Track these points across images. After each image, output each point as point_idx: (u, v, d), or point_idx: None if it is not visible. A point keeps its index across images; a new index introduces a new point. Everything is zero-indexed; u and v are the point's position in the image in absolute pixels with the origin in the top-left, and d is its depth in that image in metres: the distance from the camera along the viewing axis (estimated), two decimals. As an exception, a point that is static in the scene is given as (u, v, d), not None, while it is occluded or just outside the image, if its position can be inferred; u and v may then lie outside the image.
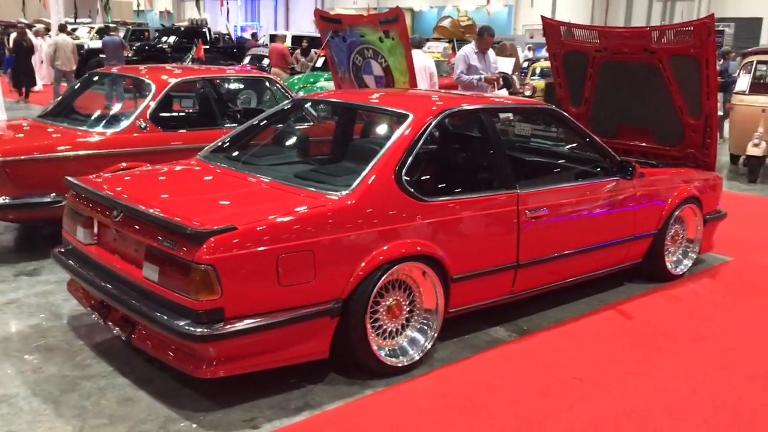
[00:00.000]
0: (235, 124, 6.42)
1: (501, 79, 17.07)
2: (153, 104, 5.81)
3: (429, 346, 3.67)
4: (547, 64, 15.72)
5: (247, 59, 20.64)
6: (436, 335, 3.71)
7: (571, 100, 6.34)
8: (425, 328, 3.68)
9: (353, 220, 3.36)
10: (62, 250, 3.95)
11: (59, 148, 5.31)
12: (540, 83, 15.21)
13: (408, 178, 3.58)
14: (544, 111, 4.47)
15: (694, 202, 5.27)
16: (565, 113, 4.53)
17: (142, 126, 5.70)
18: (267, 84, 6.89)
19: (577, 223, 4.38)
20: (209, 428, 3.06)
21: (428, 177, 3.71)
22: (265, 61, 19.63)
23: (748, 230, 6.73)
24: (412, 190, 3.58)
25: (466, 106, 4.04)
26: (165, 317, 3.04)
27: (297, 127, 4.87)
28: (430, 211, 3.63)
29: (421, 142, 3.70)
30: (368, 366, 3.47)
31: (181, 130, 5.96)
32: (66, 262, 3.82)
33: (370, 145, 3.94)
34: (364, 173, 3.49)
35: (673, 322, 4.45)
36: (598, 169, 4.67)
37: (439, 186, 3.80)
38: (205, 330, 2.95)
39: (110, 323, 3.45)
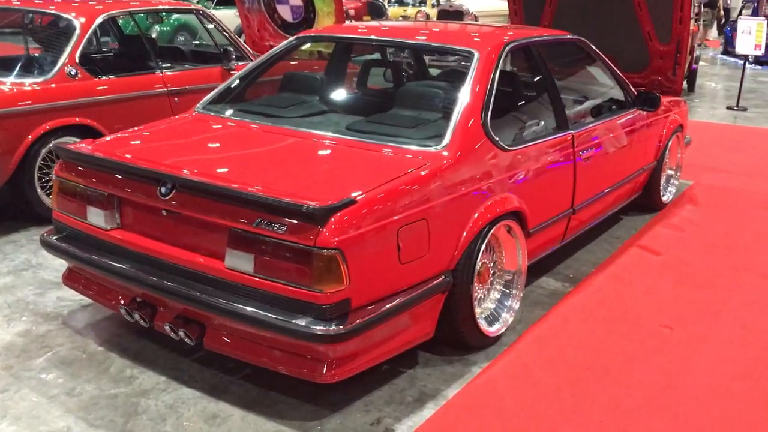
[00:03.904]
0: (183, 66, 5.59)
1: (367, 5, 16.61)
2: (81, 46, 4.82)
3: (517, 307, 3.36)
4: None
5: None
6: (521, 294, 3.40)
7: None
8: (508, 289, 3.36)
9: (455, 178, 2.92)
10: (56, 236, 3.14)
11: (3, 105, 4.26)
12: (433, 11, 14.86)
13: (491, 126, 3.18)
14: (572, 41, 4.17)
15: (680, 130, 5.30)
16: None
17: (72, 73, 4.73)
18: (197, 17, 5.97)
19: (612, 159, 4.22)
20: (334, 439, 2.59)
21: (503, 122, 3.31)
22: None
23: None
24: (497, 138, 3.19)
25: (523, 40, 3.64)
26: (275, 316, 2.47)
27: (330, 71, 4.18)
28: (513, 161, 3.26)
29: (495, 83, 3.28)
30: (468, 339, 3.11)
31: (117, 76, 5.01)
32: (69, 251, 3.05)
33: (433, 90, 3.45)
34: (453, 124, 3.03)
35: (694, 253, 4.47)
36: (614, 104, 4.49)
37: (514, 132, 3.42)
38: (340, 327, 2.43)
39: (166, 326, 2.78)
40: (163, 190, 2.70)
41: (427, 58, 5.08)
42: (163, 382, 2.89)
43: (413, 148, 2.98)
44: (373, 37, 3.94)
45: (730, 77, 12.87)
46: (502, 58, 3.38)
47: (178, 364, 3.01)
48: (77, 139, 4.67)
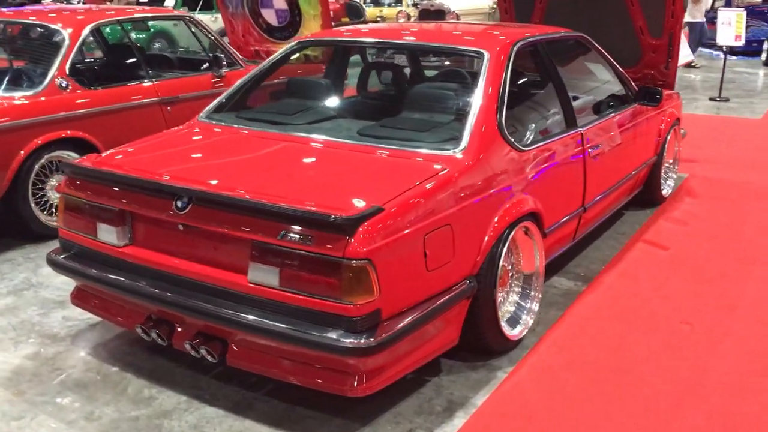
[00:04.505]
0: (173, 75, 5.49)
1: (345, 6, 16.48)
2: (71, 57, 4.70)
3: (536, 309, 3.33)
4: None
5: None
6: (540, 296, 3.36)
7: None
8: (526, 291, 3.32)
9: (476, 182, 2.87)
10: (64, 255, 3.04)
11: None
12: (412, 10, 14.81)
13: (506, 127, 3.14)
14: (574, 38, 4.15)
15: (677, 124, 5.31)
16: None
17: (63, 85, 4.61)
18: (186, 25, 5.86)
19: (618, 156, 4.20)
20: (366, 453, 2.53)
21: (515, 122, 3.27)
22: (75, -2, 17.34)
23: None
24: (513, 139, 3.15)
25: (531, 38, 3.60)
26: (304, 330, 2.40)
27: (332, 76, 4.10)
28: (528, 161, 3.22)
29: (508, 83, 3.23)
30: (491, 344, 3.07)
31: (108, 87, 4.90)
32: (79, 270, 2.95)
33: (444, 92, 3.40)
34: (470, 126, 2.98)
35: (700, 246, 4.47)
36: (616, 100, 4.48)
37: (527, 131, 3.38)
38: (371, 340, 2.36)
39: (186, 344, 2.70)
40: (179, 204, 2.62)
41: (421, 59, 5.01)
42: (184, 401, 2.80)
43: (431, 152, 2.92)
44: (378, 39, 3.88)
45: (707, 68, 12.99)
46: (512, 58, 3.34)
47: (196, 382, 2.93)
48: (71, 153, 4.57)
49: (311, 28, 7.81)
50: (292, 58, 4.04)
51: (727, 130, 8.16)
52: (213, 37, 5.90)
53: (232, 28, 8.16)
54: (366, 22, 15.82)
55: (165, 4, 13.59)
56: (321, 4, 7.50)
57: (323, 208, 2.39)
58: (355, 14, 16.80)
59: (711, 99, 10.01)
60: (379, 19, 17.11)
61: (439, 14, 12.14)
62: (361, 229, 2.35)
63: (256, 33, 8.15)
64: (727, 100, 9.94)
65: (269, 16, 8.07)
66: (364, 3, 18.71)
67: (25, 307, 3.61)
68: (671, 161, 5.44)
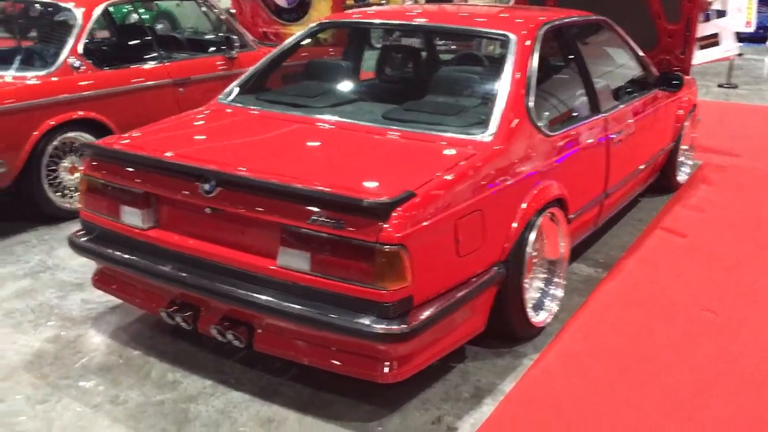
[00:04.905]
0: (185, 56, 5.42)
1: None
2: (84, 36, 4.64)
3: (561, 295, 3.30)
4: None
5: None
6: (564, 282, 3.34)
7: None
8: (551, 277, 3.30)
9: (505, 167, 2.83)
10: (86, 237, 3.01)
11: (1, 101, 4.07)
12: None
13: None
14: (596, 22, 4.10)
15: (694, 110, 5.27)
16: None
17: (76, 65, 4.55)
18: (198, 5, 5.79)
19: (638, 141, 4.16)
20: (397, 439, 2.51)
21: (541, 107, 3.23)
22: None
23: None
24: (540, 124, 3.11)
25: (556, 21, 3.55)
26: (335, 315, 2.37)
27: (352, 58, 4.04)
28: (555, 146, 3.19)
29: (535, 67, 3.19)
30: (517, 331, 3.04)
31: (120, 67, 4.84)
32: (102, 253, 2.91)
33: (470, 75, 3.35)
34: (498, 110, 2.94)
35: (718, 233, 4.45)
36: (637, 85, 4.43)
37: (553, 116, 3.34)
38: (403, 326, 2.34)
39: (213, 329, 2.67)
40: (207, 187, 2.58)
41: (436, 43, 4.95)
42: (210, 386, 2.78)
43: (459, 136, 2.88)
44: (402, 22, 3.82)
45: (715, 55, 12.88)
46: (539, 41, 3.29)
47: (220, 366, 2.91)
48: (84, 134, 4.52)
49: (320, 9, 7.73)
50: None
51: (738, 117, 8.11)
52: (225, 19, 5.83)
53: (241, 10, 8.08)
54: (371, 5, 15.67)
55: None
56: (332, -14, 7.42)
57: (355, 193, 2.36)
58: (361, -3, 16.60)
59: (720, 86, 9.95)
60: (383, 2, 16.93)
61: (447, -3, 12.02)
62: (394, 214, 2.32)
63: (264, 14, 8.07)
64: (735, 86, 9.88)
65: (279, -2, 7.98)
66: (368, -15, 18.53)
67: (42, 290, 3.58)
68: (687, 148, 5.40)
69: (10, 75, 4.40)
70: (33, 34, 5.19)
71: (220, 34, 5.75)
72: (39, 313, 3.34)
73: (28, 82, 4.35)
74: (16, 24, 5.30)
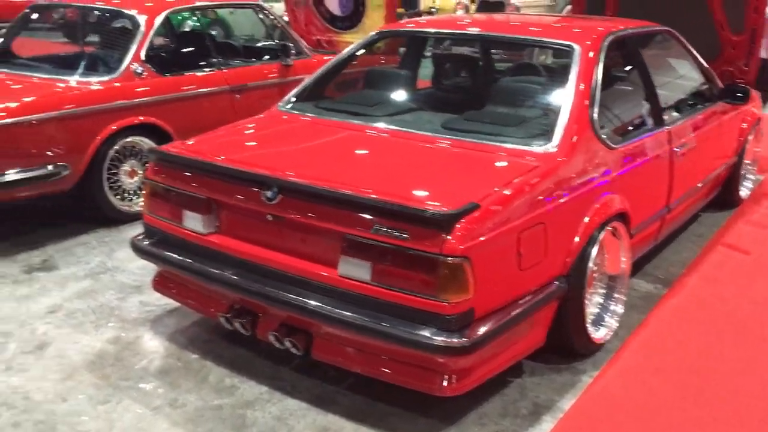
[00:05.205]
0: (242, 63, 5.49)
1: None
2: (146, 43, 4.74)
3: (621, 311, 3.23)
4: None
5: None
6: (625, 298, 3.26)
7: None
8: (611, 292, 3.23)
9: (569, 180, 2.78)
10: (148, 241, 3.05)
11: (64, 106, 4.18)
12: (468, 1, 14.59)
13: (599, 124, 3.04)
14: (661, 32, 4.02)
15: (758, 123, 5.11)
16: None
17: (138, 71, 4.65)
18: (256, 13, 5.86)
19: (702, 155, 4.05)
20: (454, 454, 2.48)
21: (605, 119, 3.17)
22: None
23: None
24: (603, 136, 3.05)
25: (621, 32, 3.48)
26: (396, 326, 2.35)
27: (409, 67, 4.05)
28: (619, 159, 3.12)
29: (600, 78, 3.13)
30: (577, 346, 2.98)
31: (180, 74, 4.92)
32: (164, 257, 2.95)
33: (531, 86, 3.32)
34: (562, 122, 2.89)
35: (785, 253, 4.30)
36: (700, 97, 4.32)
37: (616, 128, 3.28)
38: (464, 339, 2.31)
39: (271, 335, 2.68)
40: (269, 194, 2.59)
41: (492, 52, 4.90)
42: (266, 392, 2.79)
43: (521, 147, 2.84)
44: (462, 31, 3.80)
45: None
46: (604, 52, 3.23)
47: (277, 373, 2.91)
48: (144, 139, 4.61)
49: (374, 18, 7.75)
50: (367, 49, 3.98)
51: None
52: (282, 26, 5.89)
53: (295, 18, 8.15)
54: (421, 14, 15.69)
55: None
56: (386, -6, 7.43)
57: (419, 203, 2.34)
58: (411, 4, 16.66)
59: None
60: (433, 10, 16.92)
61: (499, 6, 11.96)
62: (458, 225, 2.29)
63: (318, 22, 8.13)
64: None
65: (332, 5, 8.04)
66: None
67: (102, 291, 3.65)
68: (750, 162, 5.24)
69: (74, 80, 4.51)
70: (96, 39, 5.31)
71: (276, 42, 5.81)
72: (100, 314, 3.41)
73: (92, 88, 4.45)
74: (80, 30, 5.44)
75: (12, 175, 4.04)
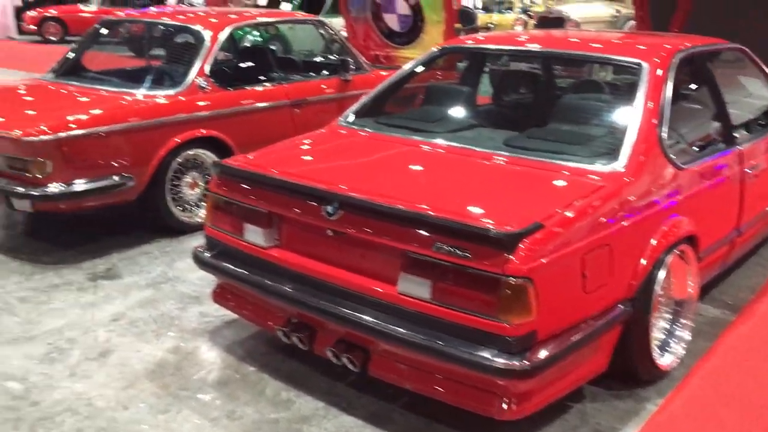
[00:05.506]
0: (302, 77, 5.56)
1: (459, 11, 16.30)
2: (211, 58, 4.83)
3: (688, 338, 3.12)
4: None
5: (173, -1, 18.89)
6: (692, 324, 3.15)
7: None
8: (677, 318, 3.12)
9: (636, 200, 2.71)
10: (209, 253, 3.09)
11: (130, 119, 4.30)
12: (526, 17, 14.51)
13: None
14: (732, 50, 3.90)
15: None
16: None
17: (202, 85, 4.74)
18: (317, 29, 5.93)
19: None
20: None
21: (674, 138, 3.08)
22: (197, 0, 18.04)
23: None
24: (672, 156, 2.96)
25: (690, 49, 3.39)
26: (455, 346, 2.32)
27: (469, 83, 4.04)
28: (687, 180, 3.03)
29: (668, 97, 3.05)
30: (640, 372, 2.89)
31: (243, 88, 5.00)
32: (225, 269, 2.98)
33: (596, 104, 3.26)
34: (630, 141, 2.82)
35: None
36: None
37: (686, 148, 3.18)
38: (526, 362, 2.26)
39: (328, 351, 2.67)
40: (329, 209, 2.60)
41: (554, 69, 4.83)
42: (322, 408, 2.78)
43: (587, 167, 2.78)
44: (525, 48, 3.76)
45: None
46: (673, 70, 3.14)
47: (332, 389, 2.91)
48: (206, 152, 4.69)
49: (433, 34, 7.78)
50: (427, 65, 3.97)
51: None
52: (341, 41, 5.94)
53: (354, 33, 8.24)
54: (478, 30, 15.66)
55: (281, 7, 13.91)
56: (445, 10, 7.46)
57: (481, 222, 2.31)
58: (468, 20, 16.60)
59: None
60: (490, 26, 16.88)
61: (558, 22, 11.83)
62: (521, 245, 2.25)
63: (377, 37, 8.21)
64: None
65: (391, 21, 8.10)
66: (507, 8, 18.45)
67: (163, 300, 3.71)
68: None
69: (141, 93, 4.63)
70: (162, 54, 5.45)
71: (335, 57, 5.86)
72: (160, 323, 3.47)
73: (158, 101, 4.56)
74: (146, 44, 5.60)
75: (80, 185, 4.16)
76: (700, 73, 3.54)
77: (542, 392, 2.44)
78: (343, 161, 3.14)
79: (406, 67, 3.82)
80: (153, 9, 8.77)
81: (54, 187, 4.09)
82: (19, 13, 17.42)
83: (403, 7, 7.89)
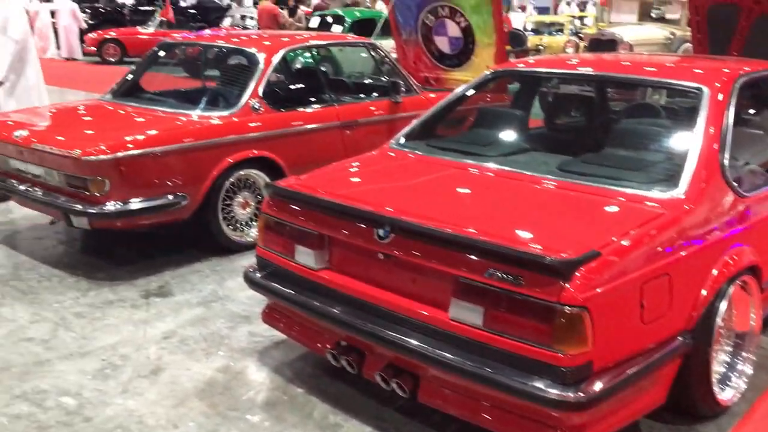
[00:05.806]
0: (352, 99, 5.60)
1: (509, 33, 16.17)
2: (265, 80, 4.90)
3: (750, 372, 3.00)
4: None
5: (227, 21, 19.34)
6: (754, 358, 3.03)
7: (712, 59, 5.66)
8: (738, 351, 3.00)
9: (697, 229, 2.63)
10: (260, 273, 3.11)
11: (185, 139, 4.39)
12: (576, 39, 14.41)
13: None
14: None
15: None
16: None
17: (256, 107, 4.80)
18: (368, 51, 5.98)
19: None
20: None
21: (735, 165, 2.99)
22: (250, 23, 18.42)
23: None
24: (734, 183, 2.87)
25: (753, 74, 3.30)
26: (508, 376, 2.27)
27: (521, 106, 4.01)
28: (750, 208, 2.93)
29: (730, 122, 2.96)
30: (700, 407, 2.79)
31: (295, 109, 5.06)
32: (275, 290, 2.99)
33: (651, 128, 3.19)
34: (690, 167, 2.74)
35: None
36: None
37: (747, 175, 3.09)
38: (581, 394, 2.19)
39: (377, 375, 2.65)
40: (381, 233, 2.59)
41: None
42: (369, 432, 2.76)
43: (645, 193, 2.71)
44: (580, 71, 3.71)
45: None
46: (735, 95, 3.06)
47: (380, 413, 2.88)
48: (258, 172, 4.74)
49: (483, 56, 7.73)
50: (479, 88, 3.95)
51: None
52: (391, 63, 5.97)
53: (404, 55, 8.25)
54: (528, 52, 15.59)
55: (332, 29, 14.08)
56: (496, 32, 7.41)
57: (536, 249, 2.27)
58: (518, 42, 16.56)
59: None
60: (540, 48, 16.80)
61: (611, 44, 11.70)
62: (578, 273, 2.20)
63: (427, 59, 8.20)
64: None
65: (442, 43, 8.09)
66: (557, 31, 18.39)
67: (213, 319, 3.75)
68: None
69: (196, 114, 4.72)
70: (217, 75, 5.55)
71: (385, 79, 5.89)
72: (210, 342, 3.49)
73: (212, 122, 4.64)
74: (202, 67, 5.72)
75: (136, 203, 4.25)
76: (761, 98, 3.44)
77: (597, 425, 2.37)
78: (394, 184, 3.14)
79: (458, 90, 3.81)
80: (208, 32, 8.99)
81: (111, 206, 4.18)
82: (82, 34, 18.09)
83: (454, 30, 7.87)
